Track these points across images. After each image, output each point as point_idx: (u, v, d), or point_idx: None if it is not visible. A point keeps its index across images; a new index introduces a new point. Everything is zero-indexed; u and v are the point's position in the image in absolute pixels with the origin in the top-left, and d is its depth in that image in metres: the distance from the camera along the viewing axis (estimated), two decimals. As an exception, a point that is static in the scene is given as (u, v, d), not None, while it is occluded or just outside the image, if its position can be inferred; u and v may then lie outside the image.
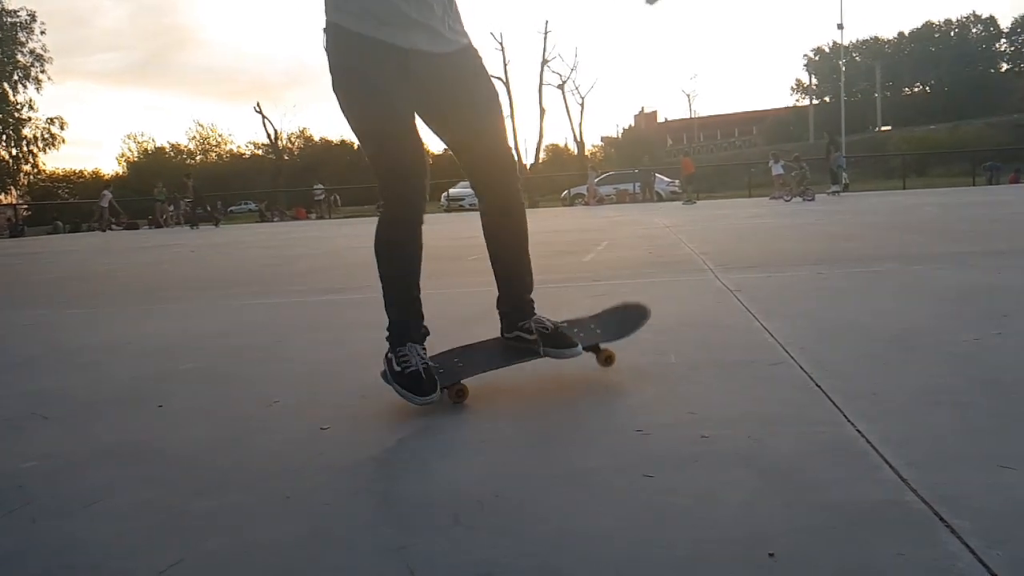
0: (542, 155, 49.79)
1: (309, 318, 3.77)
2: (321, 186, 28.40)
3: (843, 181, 21.06)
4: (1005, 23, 69.35)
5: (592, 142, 66.11)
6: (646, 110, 69.66)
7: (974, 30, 70.36)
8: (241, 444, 1.82)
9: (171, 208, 26.29)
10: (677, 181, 29.58)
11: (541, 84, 41.71)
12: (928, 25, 71.14)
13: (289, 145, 56.24)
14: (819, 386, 1.97)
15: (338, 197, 25.93)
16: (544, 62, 41.79)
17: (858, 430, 1.63)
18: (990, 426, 1.63)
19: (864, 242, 6.24)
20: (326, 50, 1.98)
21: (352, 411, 2.04)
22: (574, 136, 47.00)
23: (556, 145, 57.91)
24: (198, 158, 59.88)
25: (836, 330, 2.68)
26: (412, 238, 2.05)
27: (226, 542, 1.28)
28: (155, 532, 1.34)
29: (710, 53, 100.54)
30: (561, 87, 43.91)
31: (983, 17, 69.96)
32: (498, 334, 2.26)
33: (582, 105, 47.61)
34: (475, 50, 2.06)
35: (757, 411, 1.83)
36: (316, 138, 59.58)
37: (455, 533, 1.26)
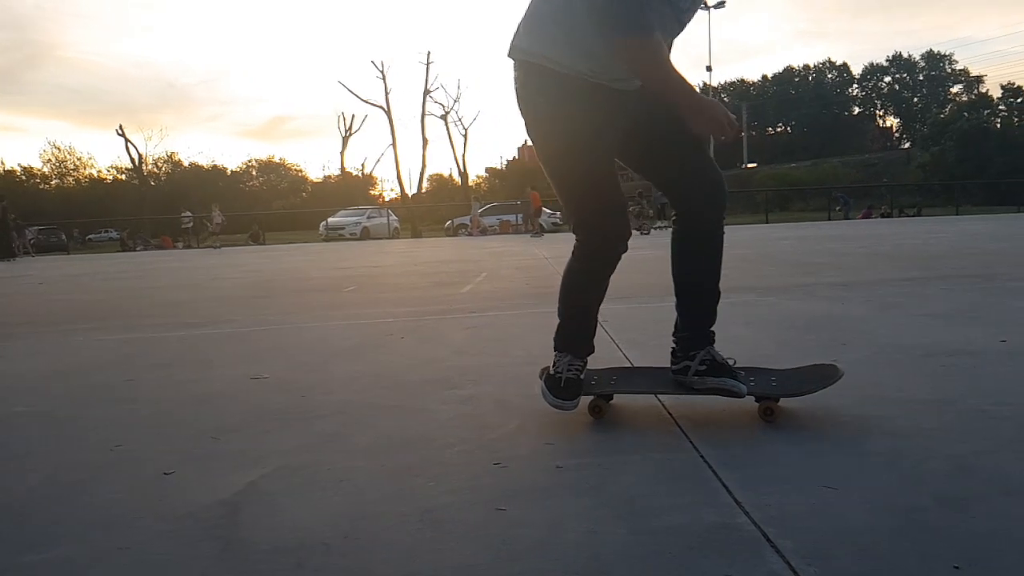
0: (426, 184, 49.90)
1: (163, 355, 3.57)
2: (189, 213, 27.15)
3: (671, 217, 22.23)
4: (857, 69, 76.05)
5: (477, 172, 66.95)
6: (529, 143, 71.16)
7: (830, 75, 76.60)
8: (77, 493, 1.70)
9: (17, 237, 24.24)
10: (559, 213, 30.37)
11: (424, 114, 41.84)
12: (789, 69, 76.87)
13: (155, 170, 53.52)
14: (671, 414, 2.06)
15: (219, 218, 24.73)
16: (427, 92, 42.00)
17: (701, 455, 1.71)
18: (818, 449, 1.75)
19: (725, 273, 6.60)
20: (527, 89, 1.92)
21: (201, 454, 1.94)
22: (458, 166, 47.43)
23: (440, 175, 58.26)
24: (53, 182, 55.85)
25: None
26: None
27: (43, 603, 1.18)
28: (-39, 597, 1.22)
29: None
30: (444, 117, 44.26)
31: (837, 63, 76.44)
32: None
33: (465, 136, 48.20)
34: None
35: (611, 440, 1.89)
36: (186, 163, 56.93)
37: (298, 579, 1.21)
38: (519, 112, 1.98)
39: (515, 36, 1.92)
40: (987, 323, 3.39)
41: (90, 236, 42.63)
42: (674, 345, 2.08)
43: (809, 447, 1.77)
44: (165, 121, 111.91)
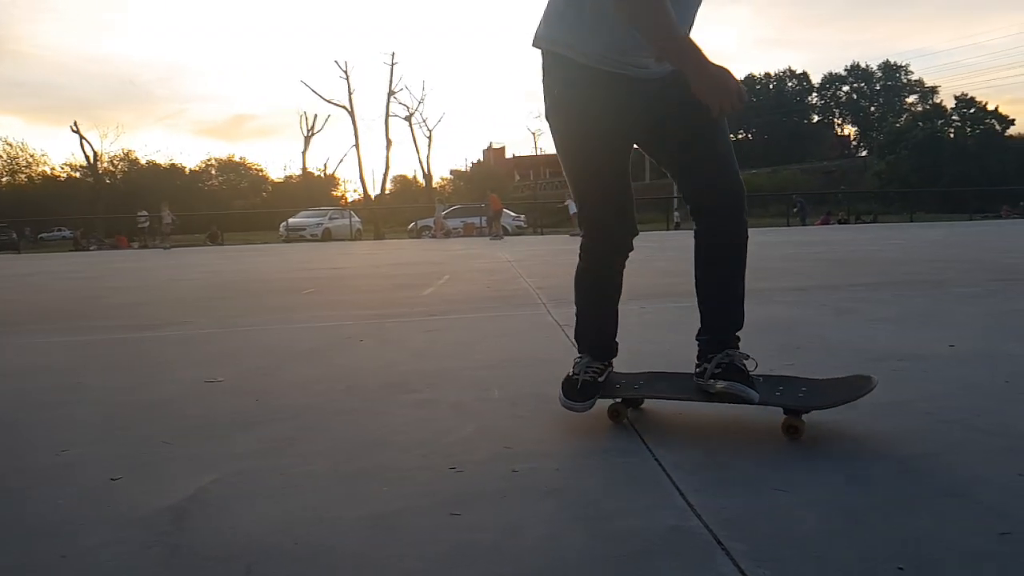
0: (389, 186, 49.62)
1: (114, 358, 3.48)
2: (145, 213, 26.57)
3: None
4: (816, 78, 77.49)
5: (441, 174, 66.80)
6: (495, 145, 71.22)
7: (790, 84, 77.91)
8: (19, 500, 1.65)
9: None
10: (523, 216, 30.45)
11: (388, 115, 41.64)
12: (750, 77, 77.93)
13: (111, 168, 52.31)
14: (627, 417, 2.07)
15: (168, 218, 24.24)
16: (391, 93, 41.80)
17: (657, 459, 1.72)
18: (772, 452, 1.77)
19: (687, 278, 6.66)
20: (547, 77, 1.89)
21: (150, 459, 1.90)
22: (422, 168, 47.25)
23: (404, 176, 57.96)
24: (4, 180, 54.25)
25: (650, 362, 2.82)
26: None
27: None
28: None
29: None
30: (408, 119, 44.09)
31: (797, 72, 77.84)
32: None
33: (429, 138, 48.02)
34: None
35: (568, 443, 1.89)
36: (143, 161, 55.72)
37: (246, 587, 1.19)
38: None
39: (538, 25, 1.91)
40: (936, 328, 3.47)
41: (42, 235, 41.53)
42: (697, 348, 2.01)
43: (763, 450, 1.79)
44: (122, 118, 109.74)
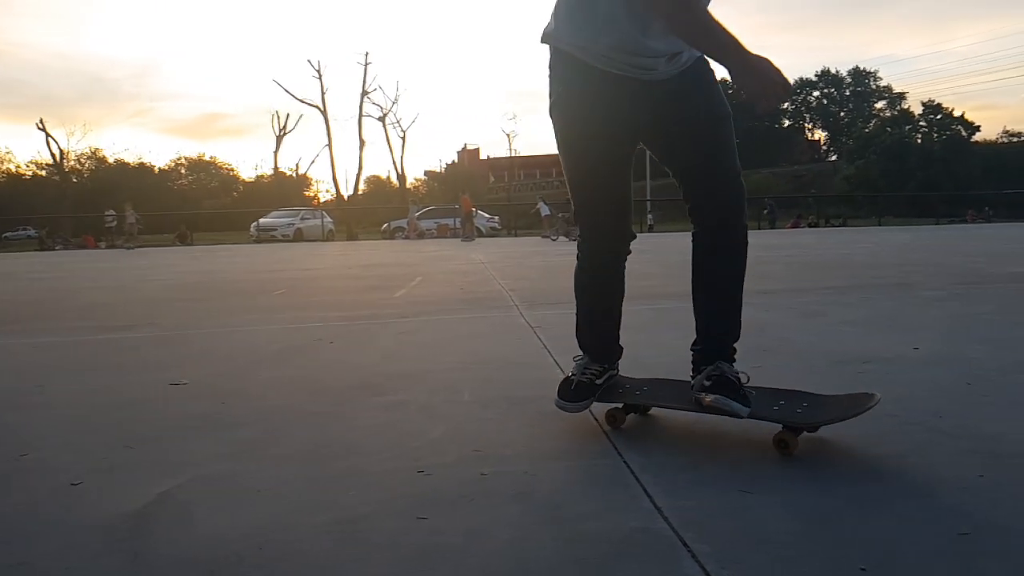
0: (362, 186, 49.35)
1: (78, 360, 3.42)
2: (113, 212, 26.10)
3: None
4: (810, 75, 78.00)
5: (415, 175, 66.55)
6: (469, 147, 71.10)
7: (761, 88, 78.36)
8: (-28, 506, 1.60)
9: None
10: (497, 217, 30.42)
11: (361, 115, 41.44)
12: (723, 82, 78.55)
13: (78, 167, 51.38)
14: (597, 420, 2.08)
15: (132, 218, 23.87)
16: (364, 93, 41.61)
17: (625, 461, 1.73)
18: (738, 454, 1.79)
19: (657, 280, 6.72)
20: (550, 72, 1.89)
21: (113, 463, 1.86)
22: (395, 169, 47.06)
23: (378, 177, 57.60)
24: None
25: (620, 364, 2.84)
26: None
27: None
28: None
29: (529, 95, 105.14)
30: (382, 119, 43.91)
31: (769, 76, 78.23)
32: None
33: (403, 138, 47.87)
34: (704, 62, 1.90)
35: (538, 446, 1.89)
36: (111, 159, 54.73)
37: (207, 594, 1.17)
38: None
39: (547, 23, 1.90)
40: (902, 331, 3.53)
41: (6, 234, 40.59)
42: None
43: (730, 453, 1.80)
44: (90, 116, 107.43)
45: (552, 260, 10.73)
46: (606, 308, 2.09)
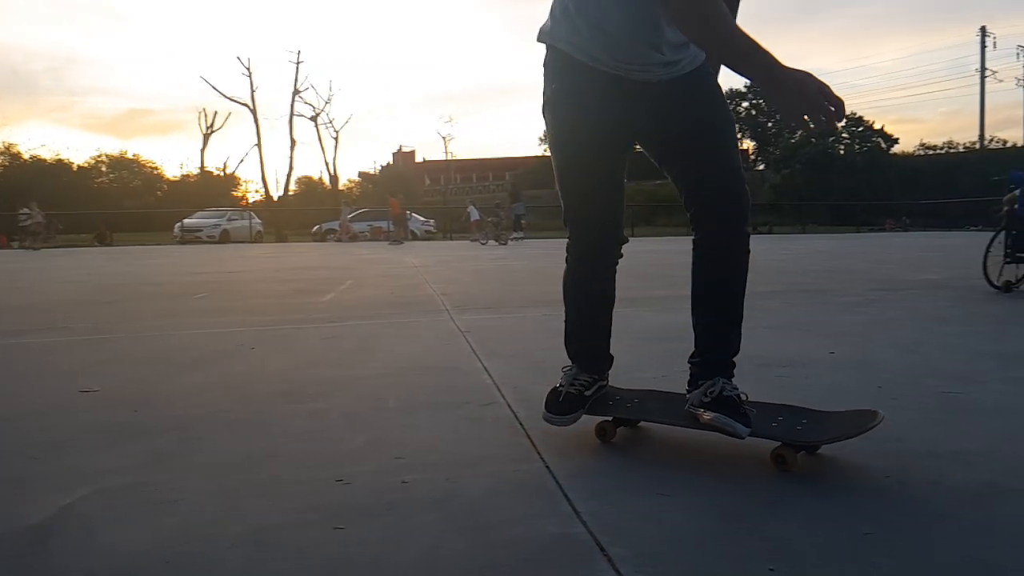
0: (293, 187, 48.38)
1: (-17, 365, 3.24)
2: (27, 210, 24.89)
3: (523, 228, 22.58)
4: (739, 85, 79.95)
5: (349, 176, 65.60)
6: (404, 149, 70.58)
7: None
8: None
9: None
10: (432, 221, 30.24)
11: (292, 114, 40.67)
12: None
13: (-10, 163, 48.84)
14: (522, 425, 2.08)
15: (38, 217, 22.82)
16: (296, 92, 40.86)
17: (547, 466, 1.73)
18: (659, 459, 1.82)
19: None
20: (544, 70, 1.84)
21: (14, 475, 1.77)
22: (328, 170, 46.34)
23: (310, 178, 56.35)
24: None
25: (549, 369, 2.84)
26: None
27: None
28: None
29: (466, 99, 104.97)
30: (314, 119, 43.22)
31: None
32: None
33: (336, 139, 47.20)
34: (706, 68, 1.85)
35: (460, 453, 1.87)
36: (26, 155, 52.16)
37: (106, 613, 1.12)
38: None
39: (545, 22, 1.86)
40: (819, 335, 3.66)
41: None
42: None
43: (651, 458, 1.83)
44: (4, 110, 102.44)
45: (485, 265, 10.74)
46: (595, 314, 2.02)
